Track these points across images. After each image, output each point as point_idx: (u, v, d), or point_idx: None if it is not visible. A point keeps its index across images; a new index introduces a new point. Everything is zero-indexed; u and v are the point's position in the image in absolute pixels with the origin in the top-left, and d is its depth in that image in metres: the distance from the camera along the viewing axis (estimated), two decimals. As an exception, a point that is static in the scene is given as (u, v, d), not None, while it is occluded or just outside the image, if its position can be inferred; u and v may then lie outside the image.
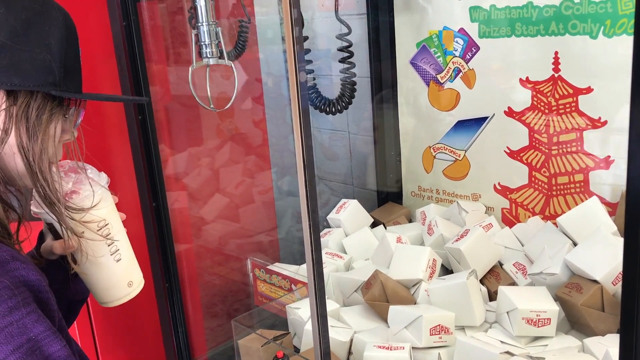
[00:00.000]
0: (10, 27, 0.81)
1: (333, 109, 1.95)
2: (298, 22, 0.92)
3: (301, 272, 1.75)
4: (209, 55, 1.66)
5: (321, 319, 1.07)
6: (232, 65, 1.72)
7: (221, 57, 1.68)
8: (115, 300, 1.03)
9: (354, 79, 1.92)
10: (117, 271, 1.01)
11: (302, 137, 0.97)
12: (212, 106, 1.74)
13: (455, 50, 1.81)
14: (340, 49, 1.86)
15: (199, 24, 1.64)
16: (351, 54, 1.85)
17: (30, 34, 0.82)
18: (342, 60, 1.87)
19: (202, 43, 1.65)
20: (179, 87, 1.82)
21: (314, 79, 2.14)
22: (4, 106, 0.82)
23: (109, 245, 0.99)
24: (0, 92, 0.82)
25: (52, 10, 0.87)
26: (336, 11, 1.83)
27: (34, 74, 0.83)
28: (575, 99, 1.59)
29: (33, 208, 0.96)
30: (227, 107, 1.81)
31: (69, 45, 0.88)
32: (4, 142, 0.83)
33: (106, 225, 0.98)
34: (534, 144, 1.71)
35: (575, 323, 1.39)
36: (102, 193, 0.98)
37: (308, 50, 2.02)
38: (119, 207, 1.06)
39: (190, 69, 1.67)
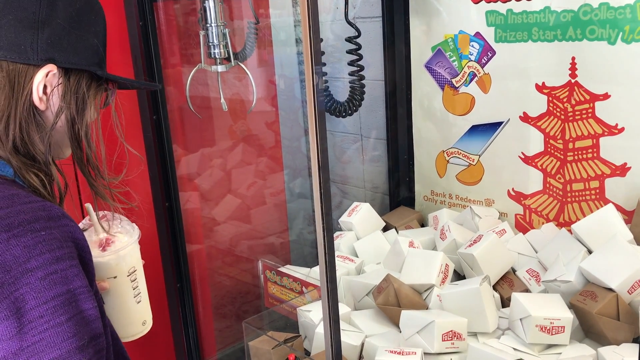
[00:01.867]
0: (68, 14, 0.92)
1: (343, 113, 1.94)
2: (315, 24, 0.92)
3: (312, 274, 1.74)
4: (217, 56, 1.68)
5: (333, 323, 1.07)
6: (245, 67, 1.73)
7: (229, 58, 1.69)
8: (130, 337, 1.15)
9: (365, 81, 1.91)
10: (136, 311, 1.14)
11: (317, 139, 0.96)
12: (222, 101, 1.76)
13: (471, 55, 1.80)
14: (349, 52, 1.85)
15: (208, 25, 1.65)
16: (360, 57, 1.84)
17: (82, 21, 0.94)
18: (351, 63, 1.86)
19: (211, 44, 1.67)
20: (192, 88, 1.82)
21: (326, 82, 2.14)
22: (61, 81, 0.91)
23: (133, 289, 1.12)
24: (60, 69, 0.91)
25: (96, 3, 0.99)
26: (346, 14, 1.82)
27: (87, 56, 0.94)
28: (591, 105, 1.58)
29: None
30: (250, 110, 1.83)
31: (105, 35, 1.00)
32: (62, 112, 0.93)
33: (134, 271, 1.12)
34: (549, 150, 1.69)
35: (589, 332, 1.38)
36: (134, 243, 1.11)
37: (322, 53, 2.02)
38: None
39: (194, 68, 1.70)
